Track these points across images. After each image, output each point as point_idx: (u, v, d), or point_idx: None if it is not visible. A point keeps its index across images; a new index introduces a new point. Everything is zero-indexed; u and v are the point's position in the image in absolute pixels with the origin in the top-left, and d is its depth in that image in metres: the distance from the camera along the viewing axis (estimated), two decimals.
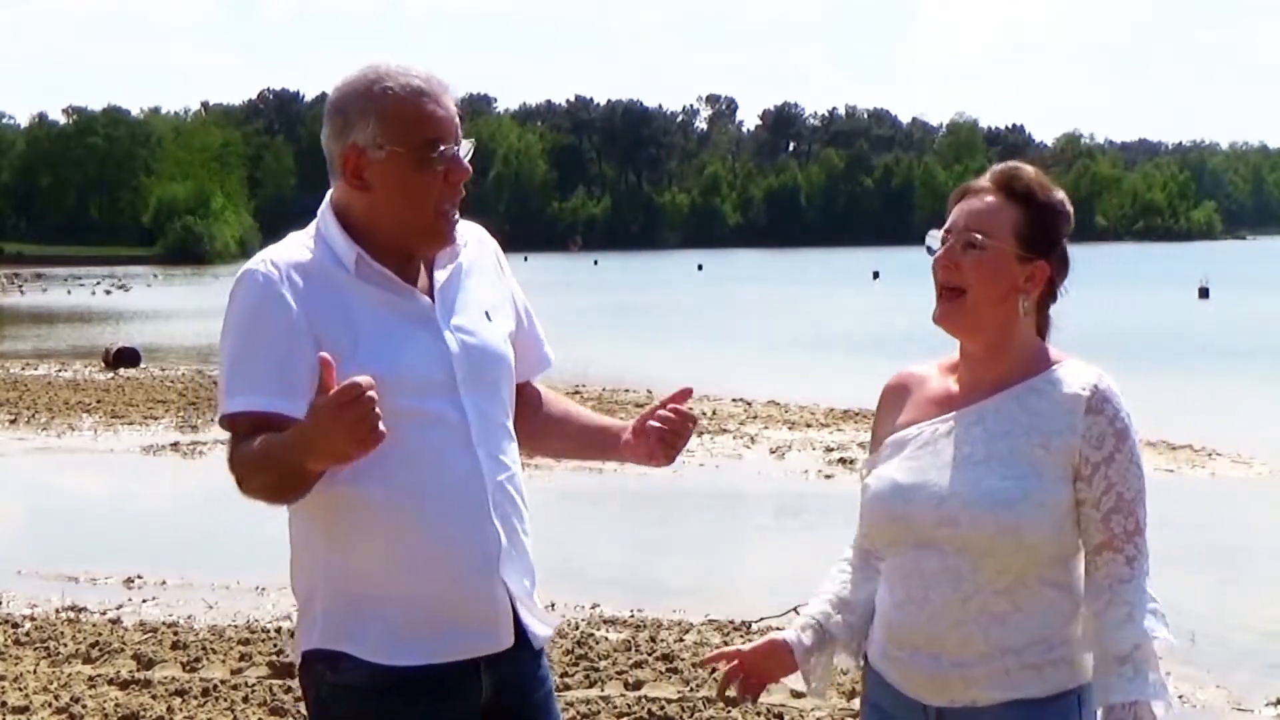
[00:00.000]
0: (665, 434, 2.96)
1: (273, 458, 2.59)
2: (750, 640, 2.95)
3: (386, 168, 2.74)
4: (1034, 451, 2.69)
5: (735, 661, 2.99)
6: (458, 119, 2.80)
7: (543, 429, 3.10)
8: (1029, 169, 2.82)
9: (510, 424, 2.90)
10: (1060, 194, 2.81)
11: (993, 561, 2.68)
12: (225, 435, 2.79)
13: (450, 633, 2.76)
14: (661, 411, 2.98)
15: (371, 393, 2.46)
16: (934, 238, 2.82)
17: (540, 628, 2.91)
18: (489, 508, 2.80)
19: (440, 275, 2.85)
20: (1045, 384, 2.74)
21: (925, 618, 2.73)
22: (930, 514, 2.72)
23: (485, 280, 2.94)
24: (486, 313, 2.90)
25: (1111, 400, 2.70)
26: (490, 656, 2.81)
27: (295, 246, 2.80)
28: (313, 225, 2.85)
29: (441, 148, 2.76)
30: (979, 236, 2.75)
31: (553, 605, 8.39)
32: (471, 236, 2.96)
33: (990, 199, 2.78)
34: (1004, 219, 2.75)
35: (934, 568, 2.72)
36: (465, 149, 2.80)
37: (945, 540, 2.71)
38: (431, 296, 2.83)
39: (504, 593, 2.81)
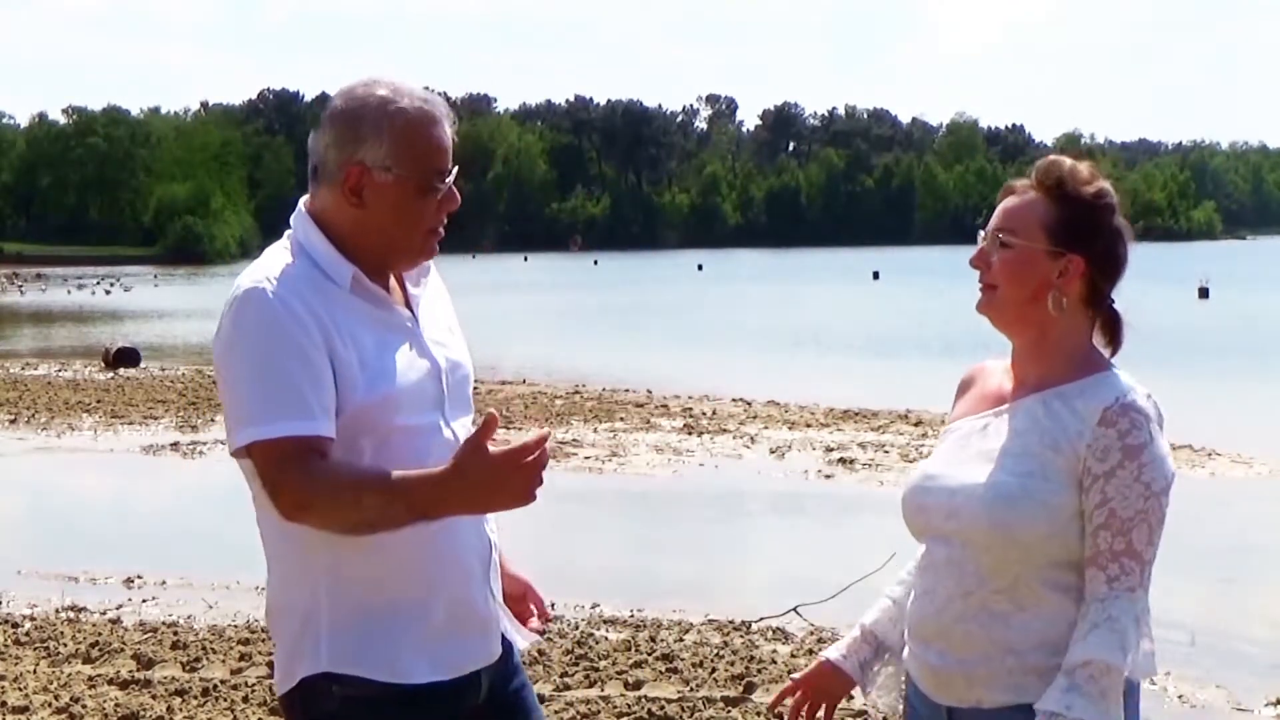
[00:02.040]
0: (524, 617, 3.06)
1: (383, 499, 2.55)
2: (799, 667, 3.01)
3: (389, 190, 2.73)
4: (1044, 453, 2.66)
5: (799, 693, 3.02)
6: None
7: None
8: (1067, 161, 2.77)
9: None
10: (1099, 185, 2.74)
11: (989, 558, 2.66)
12: (218, 437, 2.75)
13: (455, 646, 2.79)
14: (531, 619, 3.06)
15: (543, 453, 2.51)
16: (982, 236, 2.81)
17: (520, 636, 2.97)
18: (483, 518, 2.84)
19: (414, 291, 2.87)
20: (1076, 391, 2.68)
21: (934, 610, 2.74)
22: (943, 505, 2.73)
23: (442, 299, 2.99)
24: (449, 328, 2.94)
25: (1130, 415, 2.62)
26: (485, 665, 2.86)
27: (284, 263, 2.74)
28: (288, 238, 2.81)
29: (447, 179, 2.77)
30: (1006, 234, 2.73)
31: (553, 605, 8.38)
32: None
33: (1026, 195, 2.76)
34: (1034, 214, 2.72)
35: (942, 560, 2.73)
36: (453, 176, 2.81)
37: (953, 533, 2.71)
38: (411, 312, 2.85)
39: (495, 603, 2.87)
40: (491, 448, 2.52)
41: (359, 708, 2.74)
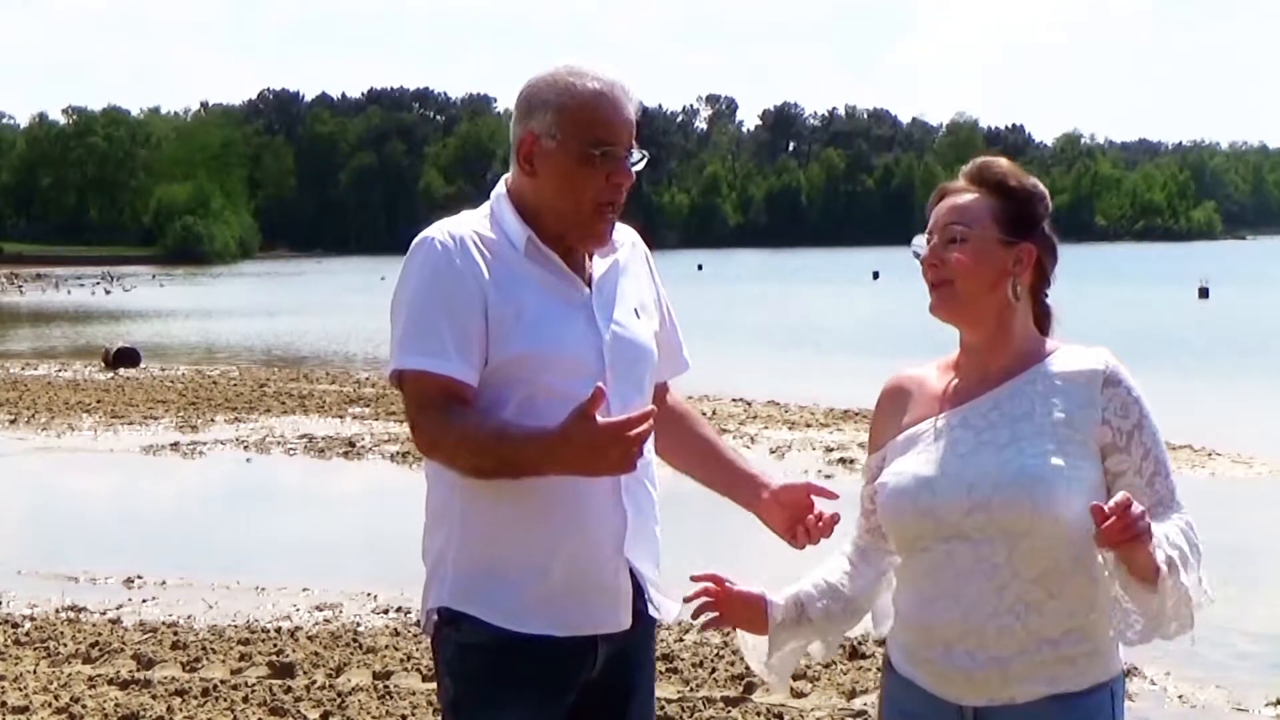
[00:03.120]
0: (815, 528, 3.07)
1: (500, 452, 2.75)
2: (738, 587, 2.98)
3: (554, 157, 2.90)
4: (1058, 430, 2.71)
5: (717, 590, 2.97)
6: (634, 127, 2.93)
7: (664, 433, 3.12)
8: (1001, 160, 2.87)
9: None
10: (1033, 180, 2.84)
11: (1028, 544, 2.66)
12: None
13: (574, 608, 2.89)
14: (822, 513, 3.08)
15: (646, 427, 2.64)
16: (919, 243, 2.85)
17: (665, 604, 3.04)
18: (621, 491, 2.93)
19: (598, 267, 3.00)
20: (1055, 366, 2.77)
21: (960, 613, 2.71)
22: (960, 502, 2.70)
23: (637, 280, 3.10)
24: (636, 309, 3.04)
25: (1120, 373, 2.75)
26: (607, 632, 2.93)
27: (469, 222, 2.95)
28: (486, 205, 3.00)
29: (607, 148, 2.88)
30: (960, 228, 2.79)
31: None
32: (627, 238, 3.10)
33: (966, 195, 2.82)
34: (981, 208, 2.80)
35: (966, 560, 2.70)
36: (636, 157, 2.93)
37: (976, 529, 2.69)
38: (589, 286, 2.96)
39: (627, 574, 2.95)
40: (600, 418, 2.65)
41: (469, 652, 2.89)
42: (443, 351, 2.81)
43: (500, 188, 3.00)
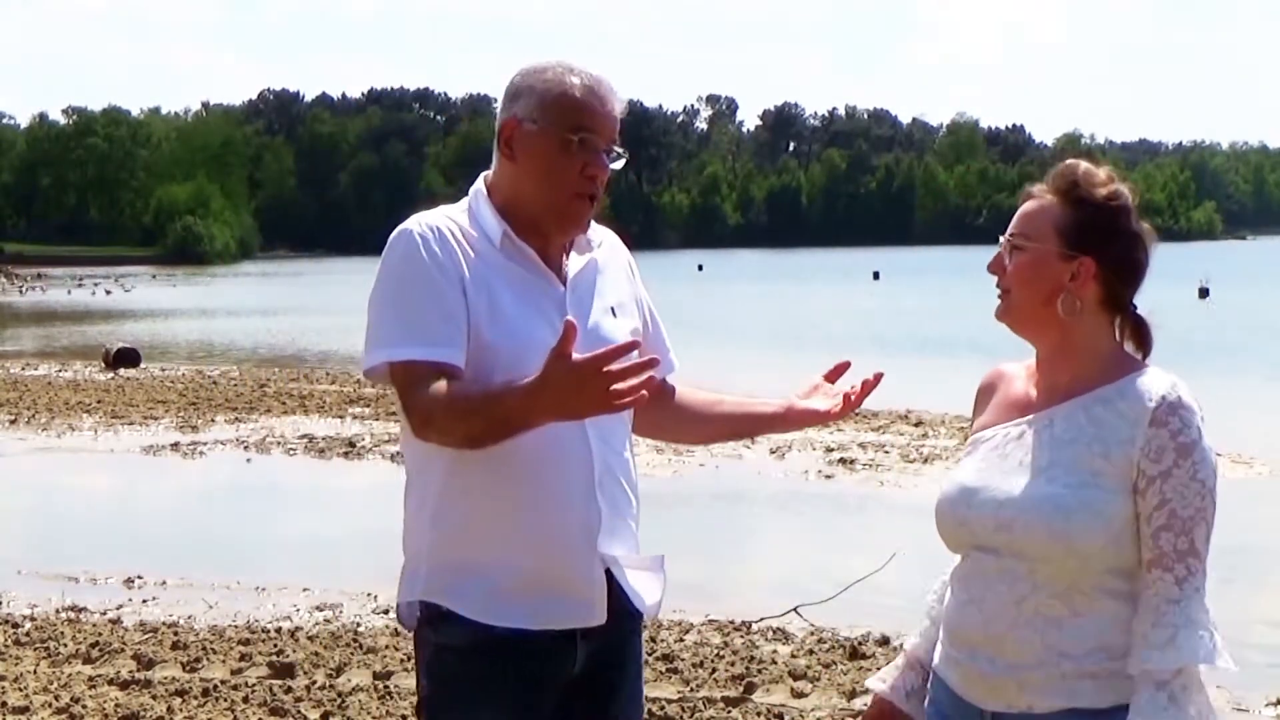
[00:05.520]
0: (857, 395, 3.20)
1: (487, 409, 2.73)
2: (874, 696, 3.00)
3: (533, 141, 2.92)
4: (1094, 461, 2.63)
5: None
6: (617, 125, 2.96)
7: (679, 417, 3.27)
8: (1083, 164, 2.76)
9: (627, 416, 3.00)
10: (1113, 188, 2.72)
11: (1046, 567, 2.64)
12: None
13: (548, 603, 2.89)
14: (850, 383, 3.24)
15: (628, 363, 2.59)
16: (1001, 242, 2.81)
17: (647, 594, 3.03)
18: (595, 487, 2.92)
19: (574, 265, 3.01)
20: (1115, 394, 2.66)
21: (983, 619, 2.71)
22: (989, 519, 2.70)
23: (615, 280, 3.10)
24: (612, 308, 3.04)
25: (1179, 414, 2.61)
26: (587, 627, 2.93)
27: (446, 215, 2.97)
28: (464, 201, 3.02)
29: (586, 135, 2.90)
30: (1020, 237, 2.74)
31: None
32: (607, 239, 3.11)
33: (1042, 199, 2.75)
34: (1047, 217, 2.72)
35: (992, 569, 2.70)
36: (615, 155, 2.95)
37: (1003, 545, 2.68)
38: (564, 284, 2.97)
39: (601, 571, 2.94)
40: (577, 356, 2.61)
41: (447, 654, 2.91)
42: (432, 339, 2.82)
43: (479, 183, 3.02)
